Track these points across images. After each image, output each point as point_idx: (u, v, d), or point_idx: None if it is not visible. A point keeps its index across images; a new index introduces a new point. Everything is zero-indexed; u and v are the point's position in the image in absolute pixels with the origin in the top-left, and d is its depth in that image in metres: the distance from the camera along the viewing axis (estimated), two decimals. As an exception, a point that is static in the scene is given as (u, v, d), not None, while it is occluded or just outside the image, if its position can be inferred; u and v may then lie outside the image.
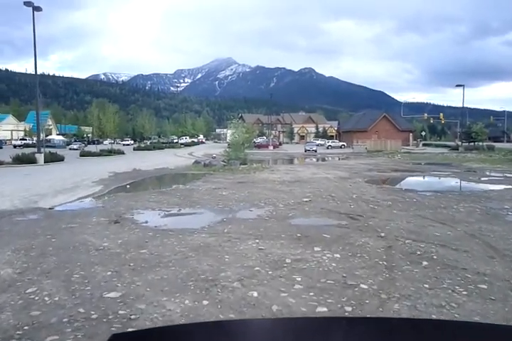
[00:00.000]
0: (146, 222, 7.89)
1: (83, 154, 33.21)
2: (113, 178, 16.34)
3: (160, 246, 6.15)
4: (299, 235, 6.78)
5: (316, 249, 6.04)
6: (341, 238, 6.66)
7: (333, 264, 5.37)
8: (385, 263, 5.47)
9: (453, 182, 16.36)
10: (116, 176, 17.15)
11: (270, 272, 5.06)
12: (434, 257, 5.71)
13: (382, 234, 6.83)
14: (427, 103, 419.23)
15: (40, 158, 24.11)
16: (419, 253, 5.89)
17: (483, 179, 17.00)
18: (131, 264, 5.36)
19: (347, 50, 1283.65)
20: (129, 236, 6.81)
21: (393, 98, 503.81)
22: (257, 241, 6.44)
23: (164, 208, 9.42)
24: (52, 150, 40.84)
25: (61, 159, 26.19)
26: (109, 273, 5.06)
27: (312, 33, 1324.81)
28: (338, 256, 5.73)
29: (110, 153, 35.06)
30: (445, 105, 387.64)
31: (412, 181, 16.96)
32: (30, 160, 23.59)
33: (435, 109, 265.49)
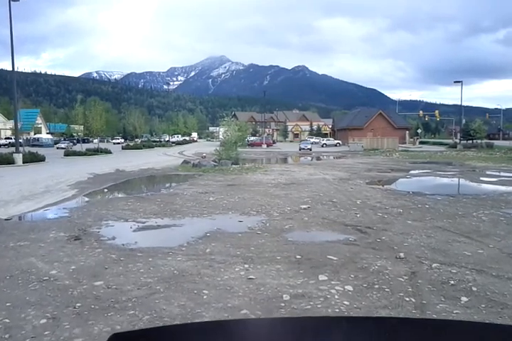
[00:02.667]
0: (113, 239, 6.53)
1: (68, 154, 31.56)
2: (91, 181, 14.92)
3: (121, 275, 4.81)
4: (298, 257, 5.46)
5: (321, 277, 4.73)
6: (351, 260, 5.35)
7: (346, 302, 4.07)
8: (412, 299, 4.17)
9: (462, 183, 15.13)
10: (95, 178, 15.73)
11: (262, 317, 3.74)
12: (474, 289, 4.44)
13: (401, 255, 5.53)
14: (419, 101, 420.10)
15: (19, 158, 22.51)
16: (452, 282, 4.61)
17: (492, 180, 15.81)
18: (78, 305, 4.03)
19: (340, 48, 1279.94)
20: (87, 259, 5.46)
21: (386, 96, 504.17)
22: (246, 266, 5.11)
23: (139, 218, 8.06)
24: (40, 149, 39.33)
25: (42, 159, 24.59)
26: (44, 320, 3.73)
27: (305, 30, 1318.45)
28: (350, 288, 4.42)
29: (96, 152, 33.45)
30: (438, 103, 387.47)
31: (418, 182, 15.71)
32: (7, 160, 22.00)
33: (428, 106, 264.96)
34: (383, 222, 7.63)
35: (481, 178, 16.23)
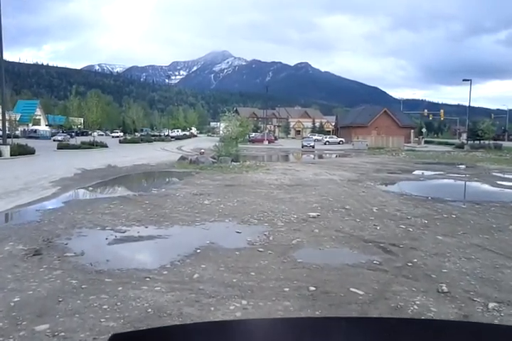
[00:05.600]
0: (82, 254, 5.30)
1: (61, 147, 30.25)
2: (78, 177, 13.67)
3: (77, 315, 3.58)
4: (312, 289, 4.22)
5: (344, 324, 3.50)
6: (381, 296, 4.11)
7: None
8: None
9: (481, 187, 13.87)
10: (83, 174, 14.48)
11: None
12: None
13: (444, 287, 4.30)
14: (422, 100, 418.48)
15: (6, 150, 21.23)
16: (524, 335, 3.37)
17: (514, 184, 14.57)
18: (2, 368, 2.81)
19: (341, 46, 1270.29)
20: (40, 285, 4.23)
21: (388, 94, 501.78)
22: (244, 302, 3.87)
23: (119, 226, 6.82)
24: (36, 141, 38.10)
25: (31, 152, 23.31)
26: None
27: (306, 27, 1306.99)
28: (387, 343, 3.19)
29: (91, 146, 32.15)
30: (440, 102, 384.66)
31: (434, 186, 14.44)
32: (-7, 153, 20.80)
33: (430, 106, 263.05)
34: (409, 238, 6.38)
35: (500, 182, 14.97)
